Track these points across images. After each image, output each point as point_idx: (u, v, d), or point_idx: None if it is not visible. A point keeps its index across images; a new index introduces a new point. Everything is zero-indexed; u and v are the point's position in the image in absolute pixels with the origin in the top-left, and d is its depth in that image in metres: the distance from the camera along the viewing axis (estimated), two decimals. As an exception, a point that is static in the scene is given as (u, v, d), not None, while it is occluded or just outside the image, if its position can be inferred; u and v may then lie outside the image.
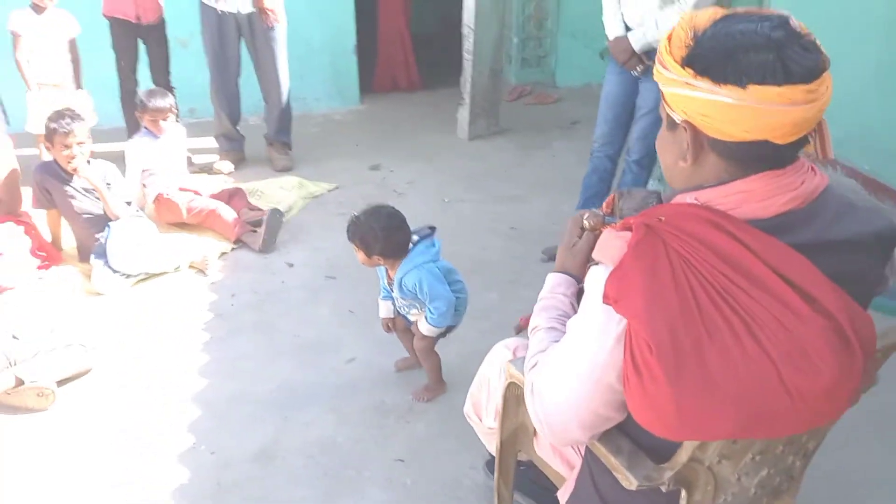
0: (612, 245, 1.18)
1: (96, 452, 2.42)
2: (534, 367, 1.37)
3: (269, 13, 4.36)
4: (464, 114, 5.21)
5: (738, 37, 1.08)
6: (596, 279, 1.19)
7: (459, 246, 3.59)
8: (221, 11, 4.35)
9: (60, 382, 2.67)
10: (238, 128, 4.83)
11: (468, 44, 4.96)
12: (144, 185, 3.83)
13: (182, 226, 3.83)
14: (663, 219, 1.13)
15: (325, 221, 4.05)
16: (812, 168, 1.19)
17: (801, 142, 1.13)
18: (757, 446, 1.31)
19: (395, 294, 2.54)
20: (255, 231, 3.74)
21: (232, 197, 4.01)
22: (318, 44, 5.70)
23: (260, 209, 3.93)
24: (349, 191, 4.45)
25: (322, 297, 3.33)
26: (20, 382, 2.55)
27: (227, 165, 4.72)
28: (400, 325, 2.70)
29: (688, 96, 1.11)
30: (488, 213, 4.16)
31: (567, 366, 1.26)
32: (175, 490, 2.26)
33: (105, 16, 4.44)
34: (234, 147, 4.83)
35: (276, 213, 3.78)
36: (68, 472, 2.34)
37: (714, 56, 1.08)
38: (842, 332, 1.06)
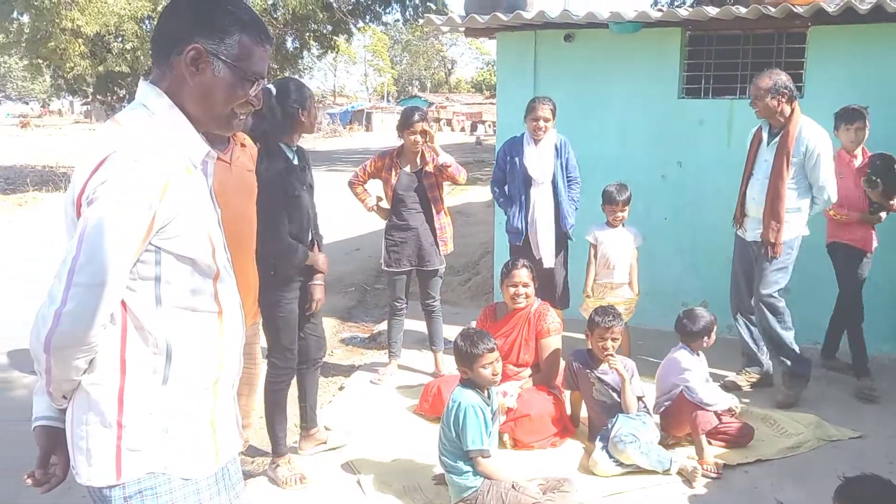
0: None
1: None
2: None
3: (770, 244, 4.46)
4: None
5: None
6: None
7: None
8: (742, 238, 4.78)
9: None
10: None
11: None
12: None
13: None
14: None
15: (835, 468, 3.70)
16: None
17: None
18: None
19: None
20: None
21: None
22: (881, 279, 5.35)
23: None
24: (874, 442, 4.02)
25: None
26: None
27: (744, 381, 4.80)
28: None
29: None
30: None
31: None
32: None
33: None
34: (751, 365, 4.85)
35: None
36: None
37: None
38: None
